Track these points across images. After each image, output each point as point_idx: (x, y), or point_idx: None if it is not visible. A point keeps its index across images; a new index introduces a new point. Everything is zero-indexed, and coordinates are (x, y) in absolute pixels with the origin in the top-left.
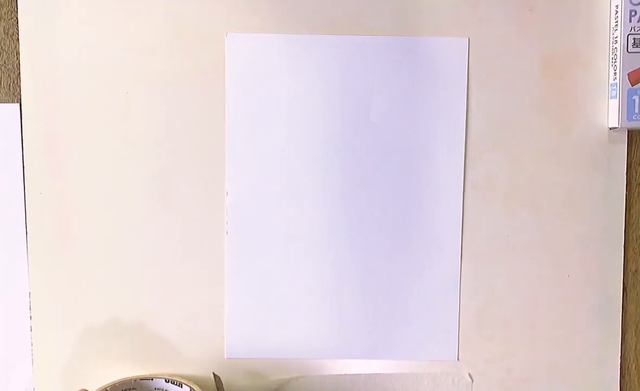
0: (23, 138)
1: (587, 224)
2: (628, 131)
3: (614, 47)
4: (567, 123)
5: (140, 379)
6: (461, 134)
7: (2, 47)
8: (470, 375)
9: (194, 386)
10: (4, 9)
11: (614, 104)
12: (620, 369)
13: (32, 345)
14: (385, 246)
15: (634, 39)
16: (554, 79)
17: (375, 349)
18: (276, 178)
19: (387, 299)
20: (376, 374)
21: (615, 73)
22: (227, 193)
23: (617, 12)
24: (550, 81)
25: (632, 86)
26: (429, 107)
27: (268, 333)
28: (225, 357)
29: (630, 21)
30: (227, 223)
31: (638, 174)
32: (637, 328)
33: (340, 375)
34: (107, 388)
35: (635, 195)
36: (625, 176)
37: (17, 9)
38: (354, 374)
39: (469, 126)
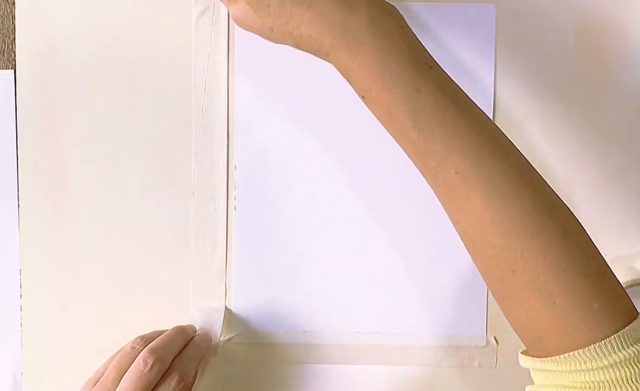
0: (17, 106)
1: (624, 200)
2: None
3: None
4: (602, 94)
5: None
6: (489, 105)
7: None
8: (495, 339)
9: None
10: None
11: None
12: None
13: (21, 325)
14: (405, 225)
15: None
16: (588, 48)
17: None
18: (287, 151)
19: (408, 285)
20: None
21: None
22: (235, 167)
23: None
24: (583, 50)
25: None
26: (454, 77)
27: (278, 311)
28: (232, 333)
29: None
30: (235, 198)
31: None
32: None
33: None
34: None
35: None
36: None
37: None
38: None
39: (497, 97)
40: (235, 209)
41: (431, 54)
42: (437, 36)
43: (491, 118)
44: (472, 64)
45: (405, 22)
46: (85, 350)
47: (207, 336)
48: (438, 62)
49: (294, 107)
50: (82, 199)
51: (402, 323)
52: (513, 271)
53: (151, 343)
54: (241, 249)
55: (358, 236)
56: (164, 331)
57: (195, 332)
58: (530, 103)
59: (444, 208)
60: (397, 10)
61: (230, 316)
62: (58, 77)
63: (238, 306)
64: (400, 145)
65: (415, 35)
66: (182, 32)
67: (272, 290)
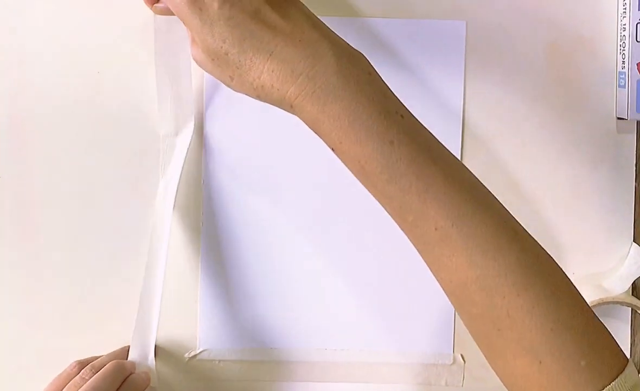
0: None
1: (594, 219)
2: (637, 121)
3: (622, 35)
4: (572, 113)
5: None
6: (457, 123)
7: None
8: (462, 356)
9: None
10: None
11: (622, 94)
12: None
13: None
14: (375, 243)
15: None
16: (559, 66)
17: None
18: (256, 167)
19: (375, 302)
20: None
21: (623, 61)
22: (203, 182)
23: None
24: (554, 68)
25: None
26: (423, 94)
27: (245, 328)
28: (198, 350)
29: (639, 10)
30: (202, 214)
31: None
32: None
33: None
34: None
35: None
36: (634, 168)
37: None
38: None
39: (466, 115)
40: (202, 224)
41: (401, 89)
42: (406, 53)
43: (460, 137)
44: (441, 82)
45: (372, 68)
46: (47, 365)
47: (145, 376)
48: (408, 78)
49: (264, 123)
50: (47, 212)
51: (370, 340)
52: (499, 330)
53: (89, 381)
54: (208, 265)
55: (326, 253)
56: (114, 352)
57: (135, 369)
58: (499, 121)
59: (425, 262)
60: (363, 55)
61: (196, 333)
62: (25, 90)
63: (204, 322)
64: (375, 198)
65: (384, 82)
66: (150, 43)
67: (239, 306)
